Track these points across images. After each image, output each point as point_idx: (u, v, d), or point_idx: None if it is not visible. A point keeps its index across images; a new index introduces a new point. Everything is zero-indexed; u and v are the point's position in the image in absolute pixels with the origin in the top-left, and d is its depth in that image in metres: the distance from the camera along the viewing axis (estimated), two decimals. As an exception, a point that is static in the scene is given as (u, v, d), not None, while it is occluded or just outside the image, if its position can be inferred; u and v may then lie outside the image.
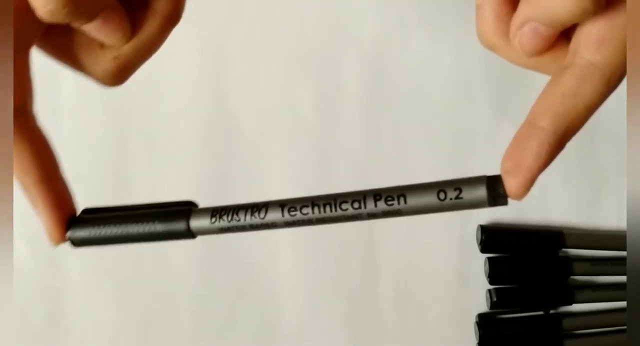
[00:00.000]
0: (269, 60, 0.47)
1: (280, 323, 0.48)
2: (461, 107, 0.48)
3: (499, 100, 0.48)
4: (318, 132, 0.48)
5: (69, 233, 0.25)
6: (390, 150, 0.48)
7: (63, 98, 0.47)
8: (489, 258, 0.48)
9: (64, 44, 0.25)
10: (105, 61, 0.25)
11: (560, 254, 0.48)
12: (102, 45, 0.25)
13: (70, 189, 0.25)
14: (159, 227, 0.25)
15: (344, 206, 0.24)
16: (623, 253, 0.48)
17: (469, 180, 0.23)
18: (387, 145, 0.48)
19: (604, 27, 0.22)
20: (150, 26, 0.25)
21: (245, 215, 0.24)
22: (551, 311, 0.48)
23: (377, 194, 0.24)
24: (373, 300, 0.48)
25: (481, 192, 0.23)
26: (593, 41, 0.22)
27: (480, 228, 0.48)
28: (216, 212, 0.25)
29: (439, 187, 0.23)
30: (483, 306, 0.48)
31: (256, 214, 0.24)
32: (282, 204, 0.24)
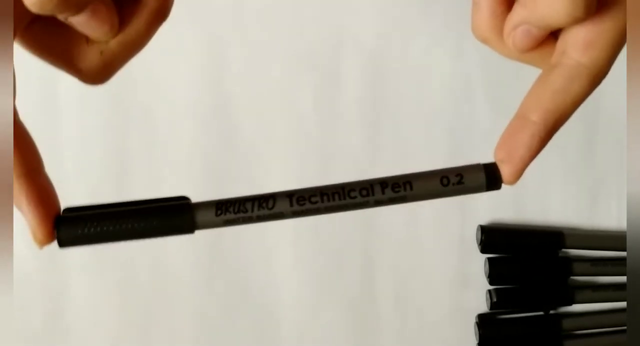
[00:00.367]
0: (270, 60, 0.47)
1: (280, 323, 0.48)
2: (461, 107, 0.48)
3: (499, 100, 0.48)
4: (318, 132, 0.48)
5: (58, 232, 0.24)
6: (390, 150, 0.48)
7: (63, 97, 0.47)
8: (489, 259, 0.48)
9: (47, 38, 0.24)
10: (91, 56, 0.24)
11: (560, 254, 0.48)
12: (88, 40, 0.24)
13: (54, 188, 0.24)
14: (158, 221, 0.24)
15: (352, 194, 0.25)
16: (623, 254, 0.48)
17: (468, 168, 0.26)
18: (387, 145, 0.48)
19: (591, 31, 0.24)
20: (138, 21, 0.24)
21: (253, 206, 0.25)
22: (551, 312, 0.48)
23: (383, 182, 0.26)
24: (373, 300, 0.48)
25: (480, 178, 0.26)
26: (581, 44, 0.25)
27: (480, 229, 0.48)
28: (221, 204, 0.25)
29: (442, 173, 0.26)
30: (483, 307, 0.48)
31: (264, 205, 0.25)
32: (290, 194, 0.25)
